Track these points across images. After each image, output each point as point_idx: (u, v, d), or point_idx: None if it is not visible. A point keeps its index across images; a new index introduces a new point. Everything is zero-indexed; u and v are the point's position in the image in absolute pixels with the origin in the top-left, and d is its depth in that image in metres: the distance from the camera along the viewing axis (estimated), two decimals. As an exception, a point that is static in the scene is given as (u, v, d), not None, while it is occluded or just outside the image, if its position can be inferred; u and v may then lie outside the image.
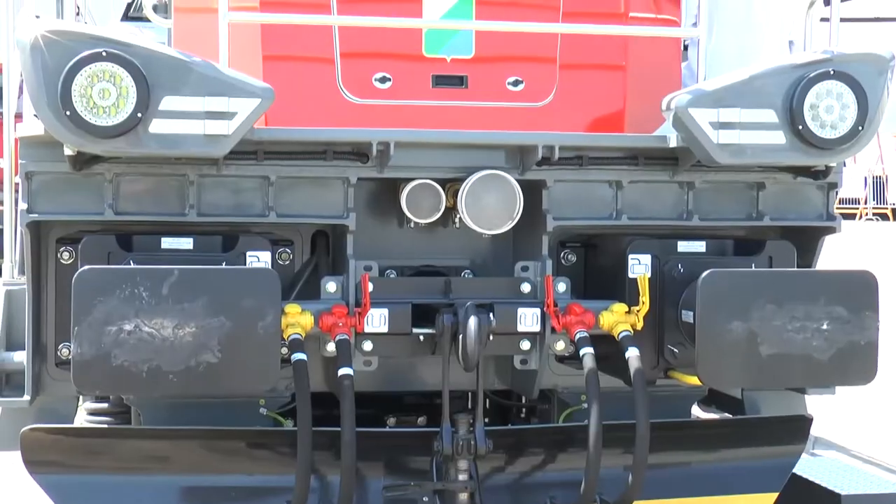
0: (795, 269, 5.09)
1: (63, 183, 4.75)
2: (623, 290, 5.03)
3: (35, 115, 4.55)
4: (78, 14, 9.17)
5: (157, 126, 4.37)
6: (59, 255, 4.94)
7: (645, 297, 4.87)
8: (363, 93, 5.17)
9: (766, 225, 5.23)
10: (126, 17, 10.62)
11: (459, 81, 5.23)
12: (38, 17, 5.83)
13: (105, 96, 4.30)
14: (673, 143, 4.88)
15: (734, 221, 5.25)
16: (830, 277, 4.76)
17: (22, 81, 5.39)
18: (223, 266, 4.61)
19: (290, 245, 5.08)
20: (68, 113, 4.29)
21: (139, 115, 4.32)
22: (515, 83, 5.26)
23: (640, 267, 5.03)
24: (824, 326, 4.65)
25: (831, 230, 5.28)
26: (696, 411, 6.09)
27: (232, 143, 4.46)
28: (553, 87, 5.29)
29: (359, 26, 5.13)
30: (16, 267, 5.36)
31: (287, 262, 5.04)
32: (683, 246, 5.15)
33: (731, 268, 4.90)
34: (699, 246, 5.17)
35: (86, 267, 4.37)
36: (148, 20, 12.47)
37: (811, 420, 5.38)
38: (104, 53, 4.29)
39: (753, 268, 5.00)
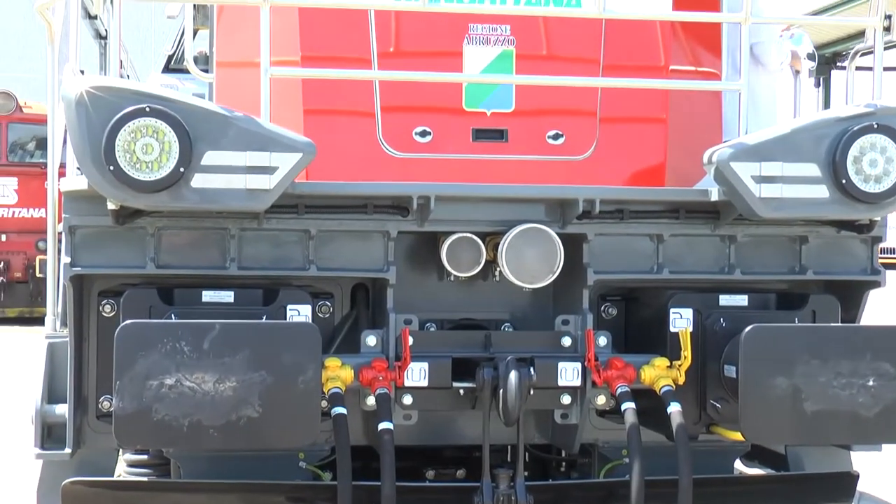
0: (840, 324, 5.07)
1: (105, 236, 4.80)
2: (664, 344, 5.02)
3: (78, 169, 4.60)
4: (121, 67, 9.30)
5: (199, 181, 4.42)
6: (100, 308, 4.98)
7: (687, 352, 4.86)
8: (403, 146, 5.20)
9: (810, 279, 5.21)
10: (167, 68, 10.77)
11: (499, 135, 5.25)
12: (82, 71, 5.93)
13: (148, 151, 4.35)
14: (714, 197, 4.88)
15: (777, 275, 5.23)
16: (876, 333, 4.73)
17: (66, 133, 5.49)
18: (264, 320, 4.64)
19: (330, 298, 5.09)
20: (112, 168, 4.34)
21: (182, 169, 4.37)
22: (555, 137, 5.28)
23: (681, 321, 5.01)
24: (870, 382, 4.61)
25: (876, 284, 5.25)
26: (739, 466, 6.04)
27: (273, 198, 4.50)
28: (593, 141, 5.31)
29: (399, 80, 5.17)
30: (58, 319, 5.40)
31: (327, 315, 5.05)
32: (725, 300, 5.14)
33: (774, 322, 4.88)
34: (741, 300, 5.16)
35: (128, 321, 4.41)
36: (188, 72, 12.61)
37: (857, 477, 5.33)
38: (147, 109, 4.35)
39: (797, 322, 4.99)
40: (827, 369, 4.59)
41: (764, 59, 6.27)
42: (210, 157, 4.42)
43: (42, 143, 23.14)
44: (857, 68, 5.91)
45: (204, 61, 14.14)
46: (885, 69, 5.27)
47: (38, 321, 20.72)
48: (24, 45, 37.18)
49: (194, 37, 13.95)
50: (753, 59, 6.11)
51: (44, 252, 21.40)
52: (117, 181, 4.36)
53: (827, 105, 22.92)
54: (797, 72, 7.02)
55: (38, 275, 21.51)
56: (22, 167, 22.41)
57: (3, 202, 22.12)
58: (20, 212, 22.18)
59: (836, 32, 23.07)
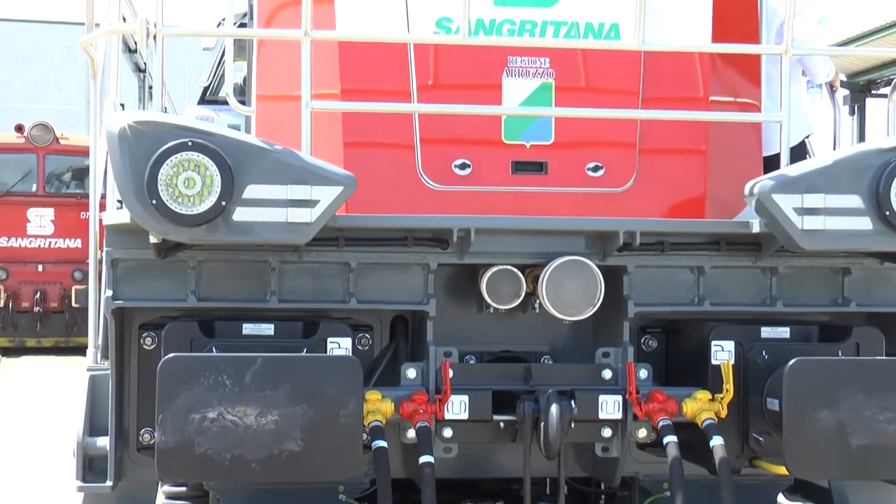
0: (886, 358, 5.01)
1: (147, 269, 4.82)
2: (706, 377, 4.98)
3: (119, 202, 4.62)
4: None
5: (240, 214, 4.43)
6: (141, 341, 4.99)
7: (729, 385, 4.82)
8: (443, 179, 5.20)
9: (853, 311, 5.17)
10: (203, 100, 10.83)
11: (539, 167, 5.25)
12: (122, 104, 5.97)
13: (190, 185, 4.36)
14: (756, 229, 4.85)
15: (819, 307, 5.19)
16: None
17: (107, 165, 5.52)
18: (305, 354, 4.64)
19: (370, 330, 5.09)
20: (154, 202, 4.35)
21: (223, 203, 4.38)
22: (595, 168, 5.27)
23: (723, 353, 4.99)
24: (917, 417, 4.56)
25: None
26: (782, 501, 5.99)
27: (314, 231, 4.50)
28: (633, 173, 5.29)
29: (439, 113, 5.18)
30: (99, 352, 5.42)
31: (366, 348, 5.05)
32: (767, 332, 5.10)
33: (817, 355, 4.86)
34: (783, 332, 5.12)
35: (171, 355, 4.42)
36: (224, 103, 12.68)
37: None
38: (190, 143, 4.36)
39: (840, 355, 4.95)
40: (872, 403, 4.55)
41: (813, 70, 6.26)
42: (251, 191, 4.43)
43: (78, 174, 23.32)
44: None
45: (240, 92, 14.23)
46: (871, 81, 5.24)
47: (74, 351, 20.98)
48: (60, 76, 37.50)
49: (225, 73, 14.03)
50: (799, 70, 6.12)
51: (80, 282, 21.68)
52: (160, 215, 4.37)
53: (862, 133, 22.74)
54: (834, 89, 7.01)
55: (73, 305, 21.61)
56: (58, 198, 22.52)
57: (39, 233, 22.23)
58: (56, 242, 22.28)
59: (871, 60, 22.90)
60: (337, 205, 4.50)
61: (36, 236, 22.19)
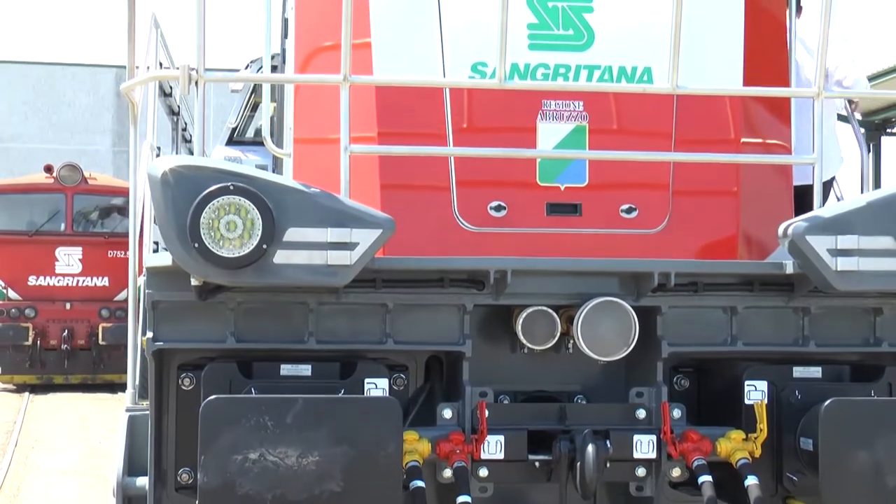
0: None
1: (187, 311, 4.82)
2: (739, 416, 4.97)
3: (156, 244, 4.62)
4: (188, 142, 9.42)
5: (281, 257, 4.43)
6: (180, 382, 4.98)
7: (763, 425, 4.80)
8: (478, 221, 5.20)
9: (885, 351, 5.14)
10: (230, 141, 10.89)
11: (573, 209, 5.24)
12: (158, 147, 6.00)
13: (232, 228, 4.36)
14: (789, 270, 4.83)
15: (852, 347, 5.16)
16: None
17: (143, 208, 5.54)
18: (346, 395, 4.64)
19: (405, 370, 5.08)
20: (196, 245, 4.35)
21: (264, 246, 4.38)
22: (629, 210, 5.27)
23: (756, 393, 4.97)
24: (953, 458, 4.53)
25: None
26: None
27: (354, 273, 4.50)
28: (666, 214, 5.29)
29: (474, 156, 5.18)
30: (136, 392, 5.42)
31: (402, 388, 5.03)
32: (799, 371, 5.08)
33: (850, 395, 4.83)
34: (815, 371, 5.10)
35: (213, 396, 4.41)
36: (251, 144, 12.74)
37: None
38: (231, 187, 4.37)
39: (873, 395, 4.93)
40: None
41: (845, 83, 6.26)
42: (292, 234, 4.43)
43: (105, 214, 23.44)
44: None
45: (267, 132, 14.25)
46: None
47: (101, 387, 20.97)
48: (86, 118, 37.70)
49: (255, 109, 14.17)
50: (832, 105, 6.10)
51: (107, 320, 21.76)
52: (202, 258, 4.37)
53: (878, 171, 22.71)
54: (854, 105, 6.99)
55: (100, 342, 21.67)
56: (86, 237, 22.62)
57: (67, 271, 22.31)
58: (84, 280, 22.36)
59: (887, 99, 22.90)
60: (376, 247, 4.50)
61: (64, 275, 22.29)
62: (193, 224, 4.35)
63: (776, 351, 5.13)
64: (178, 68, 4.60)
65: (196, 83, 4.58)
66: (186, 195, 4.37)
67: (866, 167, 6.50)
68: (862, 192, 7.13)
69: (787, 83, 5.76)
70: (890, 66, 21.44)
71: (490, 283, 4.81)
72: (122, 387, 19.63)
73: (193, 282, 4.57)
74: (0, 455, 14.00)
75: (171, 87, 9.71)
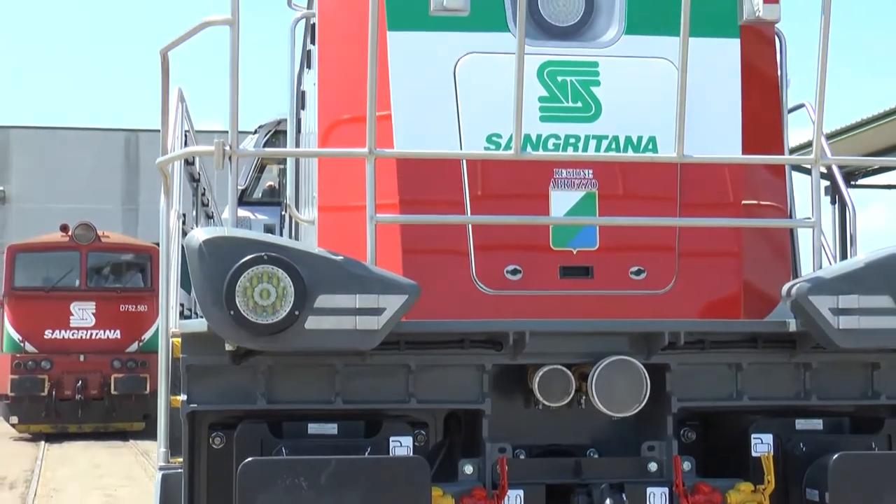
0: None
1: (219, 373, 4.78)
2: (746, 468, 4.93)
3: (182, 306, 4.57)
4: (205, 206, 9.37)
5: (312, 323, 4.39)
6: (211, 441, 4.93)
7: (770, 476, 4.78)
8: (496, 284, 5.17)
9: (882, 404, 5.11)
10: (240, 202, 10.85)
11: (585, 272, 5.22)
12: (183, 213, 5.96)
13: (265, 296, 4.33)
14: (792, 328, 4.81)
15: (851, 401, 5.14)
16: None
17: (168, 273, 5.49)
18: (375, 456, 4.60)
19: (426, 427, 5.04)
20: (232, 312, 4.32)
21: (297, 312, 4.35)
22: (638, 272, 5.24)
23: (762, 446, 4.94)
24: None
25: None
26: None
27: (381, 337, 4.46)
28: (673, 275, 5.26)
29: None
30: (168, 451, 5.35)
31: (423, 444, 4.99)
32: (802, 424, 5.06)
33: (852, 446, 4.83)
34: (817, 423, 5.08)
35: (250, 459, 4.36)
36: (257, 204, 12.65)
37: None
38: (265, 257, 4.34)
39: (874, 446, 4.90)
40: None
41: None
42: (322, 301, 4.39)
43: (117, 270, 23.45)
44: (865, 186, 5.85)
45: (270, 193, 14.25)
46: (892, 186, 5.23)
47: (113, 436, 20.85)
48: (98, 179, 37.72)
49: (262, 171, 14.06)
50: None
51: (118, 371, 21.67)
52: (237, 325, 4.34)
53: (843, 221, 22.72)
54: None
55: (112, 392, 21.60)
56: (99, 292, 22.62)
57: (82, 325, 22.27)
58: (97, 333, 22.32)
59: (852, 152, 23.00)
60: (402, 312, 4.47)
61: (78, 328, 22.26)
62: (229, 292, 4.32)
63: (780, 405, 5.09)
64: (213, 144, 4.58)
65: (230, 158, 4.56)
66: (222, 265, 4.34)
67: (851, 219, 6.41)
68: (835, 243, 7.12)
69: (781, 143, 5.77)
70: (847, 125, 21.61)
71: (509, 344, 4.78)
72: (133, 435, 19.59)
73: (228, 347, 4.53)
74: (21, 504, 13.89)
75: (193, 157, 9.69)
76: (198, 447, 4.95)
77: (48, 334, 22.13)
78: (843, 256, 6.28)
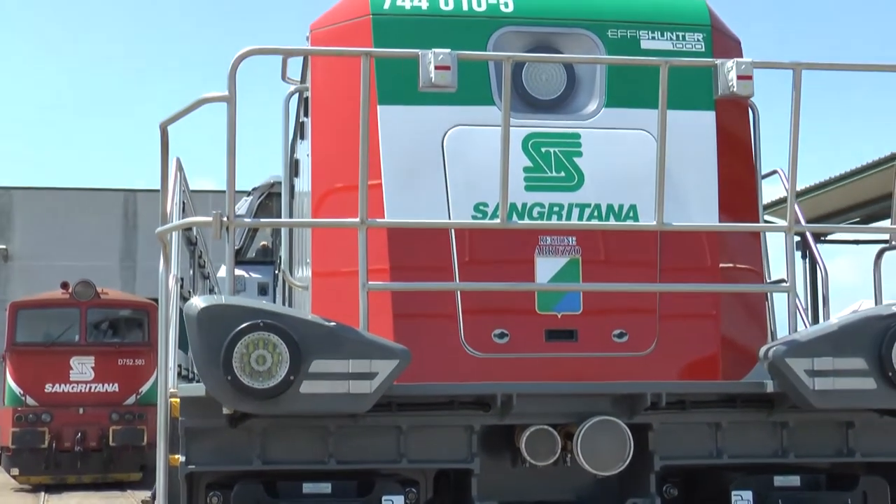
0: None
1: (216, 436, 4.74)
2: None
3: (180, 366, 4.52)
4: (202, 267, 9.33)
5: (307, 387, 4.36)
6: (208, 500, 4.86)
7: None
8: (483, 347, 5.15)
9: (857, 461, 5.08)
10: (236, 261, 10.81)
11: (570, 335, 5.20)
12: (181, 278, 5.93)
13: (261, 362, 4.30)
14: (769, 389, 4.79)
15: (827, 458, 5.12)
16: None
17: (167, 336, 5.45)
18: None
19: (416, 485, 4.97)
20: (229, 378, 4.28)
21: (292, 377, 4.31)
22: (620, 335, 5.23)
23: (742, 502, 4.90)
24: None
25: None
26: None
27: (373, 401, 4.43)
28: (654, 337, 5.25)
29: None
30: None
31: (414, 502, 4.93)
32: (780, 481, 5.02)
33: (829, 503, 4.78)
34: (794, 480, 5.04)
35: None
36: (251, 263, 12.62)
37: None
38: (261, 324, 4.31)
39: (849, 503, 4.87)
40: None
41: None
42: (317, 366, 4.36)
43: (115, 325, 23.32)
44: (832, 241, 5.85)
45: (263, 253, 14.21)
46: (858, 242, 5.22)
47: (111, 486, 20.59)
48: (98, 237, 37.64)
49: (256, 232, 13.99)
50: None
51: (116, 423, 21.51)
52: (234, 390, 4.30)
53: (814, 279, 22.82)
54: None
55: (111, 444, 21.41)
56: (98, 346, 22.49)
57: (81, 378, 22.12)
58: (96, 387, 22.16)
59: (821, 210, 23.18)
60: (394, 376, 4.44)
61: (78, 382, 22.09)
62: (226, 358, 4.29)
63: (758, 462, 5.06)
64: (212, 215, 4.56)
65: (227, 228, 4.54)
66: (220, 332, 4.31)
67: (823, 281, 6.41)
68: (807, 299, 7.12)
69: (756, 208, 5.78)
70: (815, 184, 21.78)
71: (497, 405, 4.74)
72: (130, 485, 19.40)
73: (225, 410, 4.49)
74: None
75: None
76: None
77: (48, 388, 21.96)
78: (815, 314, 6.30)
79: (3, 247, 38.16)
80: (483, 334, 5.15)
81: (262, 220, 10.06)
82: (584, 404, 4.86)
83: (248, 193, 13.34)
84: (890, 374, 4.61)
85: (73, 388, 22.06)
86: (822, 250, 6.49)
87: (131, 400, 21.85)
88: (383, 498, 4.72)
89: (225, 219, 4.54)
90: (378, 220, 4.96)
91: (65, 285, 22.80)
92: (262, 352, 4.30)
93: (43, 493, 20.97)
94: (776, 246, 6.04)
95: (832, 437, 5.11)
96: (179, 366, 6.21)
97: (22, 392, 22.02)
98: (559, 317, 5.20)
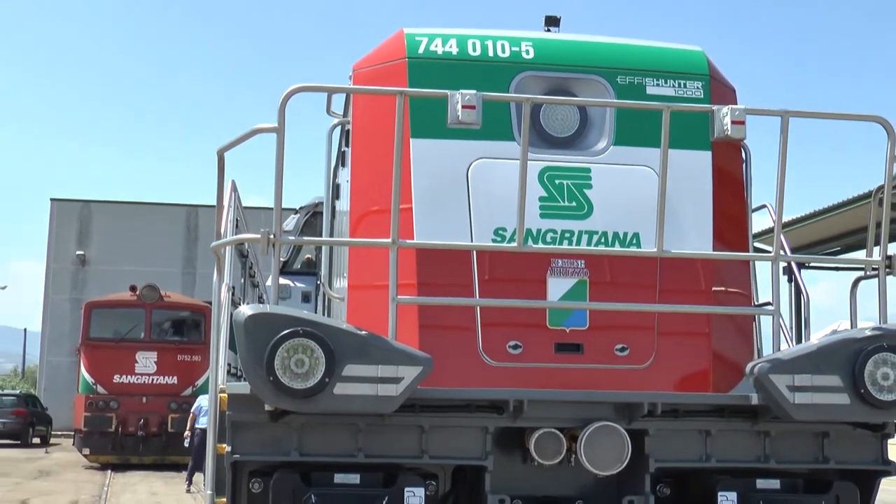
0: None
1: (259, 429, 4.71)
2: None
3: (229, 365, 4.51)
4: (253, 276, 9.33)
5: (340, 388, 4.34)
6: (250, 486, 4.85)
7: None
8: (499, 357, 5.11)
9: (832, 468, 5.01)
10: (282, 271, 10.80)
11: (577, 348, 5.16)
12: (233, 287, 5.90)
13: (300, 365, 4.28)
14: (754, 401, 4.74)
15: (805, 464, 5.05)
16: None
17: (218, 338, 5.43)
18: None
19: (436, 479, 4.94)
20: (272, 378, 4.27)
21: (326, 380, 4.29)
22: (622, 349, 5.18)
23: (727, 502, 4.83)
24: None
25: (886, 473, 5.04)
26: None
27: (399, 403, 4.40)
28: (652, 352, 5.20)
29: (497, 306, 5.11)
30: (213, 494, 5.26)
31: (433, 494, 4.89)
32: (762, 483, 4.96)
33: None
34: (775, 483, 4.97)
35: None
36: (296, 274, 12.63)
37: None
38: (301, 331, 4.29)
39: None
40: None
41: None
42: (349, 370, 4.34)
43: (177, 325, 23.41)
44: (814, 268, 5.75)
45: (307, 265, 14.22)
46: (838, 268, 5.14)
47: (169, 467, 20.65)
48: (163, 246, 37.87)
49: (301, 249, 13.94)
50: None
51: (174, 412, 21.56)
52: (275, 389, 4.29)
53: (798, 299, 22.62)
54: None
55: (169, 430, 21.46)
56: (160, 343, 22.60)
57: (144, 371, 22.23)
58: (157, 379, 22.25)
59: (805, 239, 23.02)
60: (418, 381, 4.41)
61: (142, 374, 22.20)
62: (269, 361, 4.27)
63: (743, 466, 5.00)
64: (260, 233, 4.55)
65: (273, 245, 4.53)
66: (264, 337, 4.30)
67: (805, 305, 6.33)
68: (791, 319, 7.03)
69: (746, 237, 5.73)
70: (801, 216, 21.65)
71: (509, 409, 4.71)
72: (185, 467, 19.41)
73: (267, 407, 4.47)
74: (87, 526, 13.70)
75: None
76: (239, 491, 4.87)
77: (116, 379, 22.09)
78: (798, 334, 6.22)
79: (82, 253, 38.44)
80: (499, 345, 5.11)
81: (304, 238, 10.03)
82: (587, 410, 4.82)
83: (296, 211, 13.35)
84: (862, 391, 4.55)
85: (137, 380, 22.17)
86: (805, 275, 6.42)
87: (188, 391, 21.91)
88: (406, 489, 4.68)
89: (271, 236, 4.53)
90: (408, 241, 4.94)
91: (133, 288, 22.93)
92: (301, 356, 4.28)
93: (109, 471, 21.04)
94: (765, 272, 6.01)
95: (809, 445, 5.05)
96: (229, 365, 6.19)
97: (94, 381, 22.15)
98: (567, 331, 5.16)
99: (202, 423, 15.80)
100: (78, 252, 38.36)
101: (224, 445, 4.76)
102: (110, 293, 25.31)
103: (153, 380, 22.24)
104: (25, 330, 65.36)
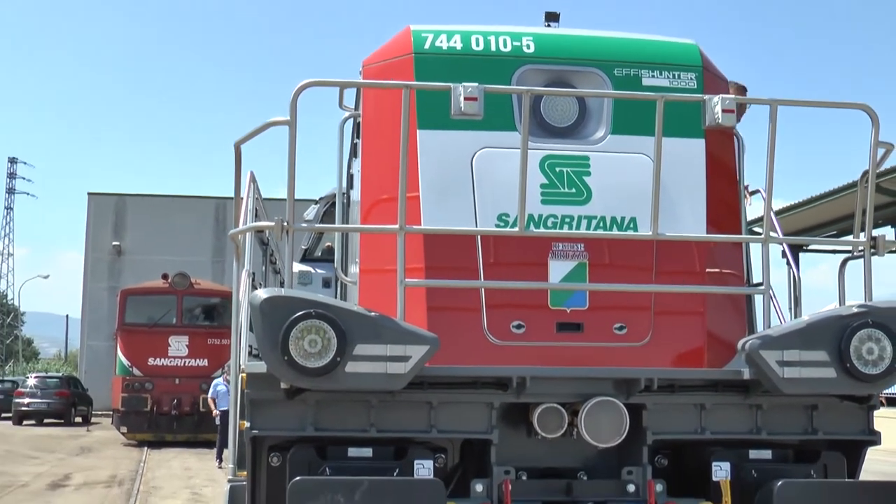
0: (851, 480, 4.81)
1: (276, 406, 4.70)
2: (708, 491, 4.82)
3: (251, 346, 4.52)
4: (273, 263, 9.31)
5: (351, 367, 4.33)
6: (269, 459, 4.86)
7: (727, 498, 4.66)
8: (503, 336, 5.09)
9: (820, 438, 4.98)
10: (303, 258, 10.81)
11: (577, 327, 5.13)
12: (253, 273, 5.90)
13: (313, 345, 4.27)
14: (746, 376, 4.70)
15: (794, 435, 5.02)
16: (885, 486, 4.48)
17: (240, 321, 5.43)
18: (401, 478, 4.51)
19: (445, 452, 4.94)
20: (286, 358, 4.26)
21: (338, 359, 4.29)
22: (620, 328, 5.16)
23: (721, 472, 4.82)
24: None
25: (872, 443, 5.01)
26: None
27: (407, 380, 4.39)
28: (649, 330, 5.17)
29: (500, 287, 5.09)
30: (235, 466, 5.28)
31: (442, 466, 4.89)
32: (754, 454, 4.94)
33: (794, 474, 4.72)
34: (766, 454, 4.96)
35: (298, 478, 4.29)
36: (317, 261, 12.64)
37: None
38: (313, 313, 4.28)
39: (813, 474, 4.77)
40: None
41: None
42: (360, 349, 4.33)
43: (207, 311, 23.51)
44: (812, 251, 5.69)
45: (328, 252, 14.21)
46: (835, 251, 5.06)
47: (201, 444, 20.78)
48: (193, 237, 37.98)
49: (323, 233, 13.97)
50: None
51: (206, 392, 21.64)
52: (290, 368, 4.28)
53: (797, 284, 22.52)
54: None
55: (201, 409, 21.57)
56: (191, 328, 22.72)
57: (177, 354, 22.36)
58: (189, 362, 22.37)
59: (802, 223, 22.91)
60: (425, 360, 4.39)
61: (174, 357, 22.34)
62: (284, 342, 4.27)
63: (736, 438, 4.97)
64: (274, 220, 4.55)
65: (287, 232, 4.53)
66: (279, 319, 4.29)
67: (797, 285, 6.28)
68: (789, 298, 6.98)
69: (739, 221, 5.68)
70: (799, 201, 21.53)
71: (513, 386, 4.69)
72: (216, 444, 19.52)
73: (283, 385, 4.47)
74: (127, 497, 13.80)
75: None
76: (259, 464, 4.88)
77: (151, 361, 22.24)
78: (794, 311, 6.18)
79: (118, 243, 38.60)
80: (503, 325, 5.09)
81: (316, 224, 10.00)
82: (587, 386, 4.80)
83: (316, 202, 13.35)
84: (848, 365, 4.52)
85: (170, 362, 22.31)
86: (807, 258, 6.39)
87: (218, 373, 22.04)
88: (416, 462, 4.68)
89: (285, 224, 4.53)
90: (415, 227, 4.92)
91: (165, 276, 23.05)
92: (314, 336, 4.27)
93: (146, 448, 21.20)
94: (759, 255, 5.95)
95: (799, 418, 5.01)
96: (251, 346, 6.20)
97: (130, 364, 22.30)
98: (568, 311, 5.13)
99: (223, 404, 15.92)
100: (114, 243, 38.54)
101: (244, 422, 4.76)
102: (144, 281, 25.42)
103: (185, 362, 22.37)
104: (67, 316, 65.85)
